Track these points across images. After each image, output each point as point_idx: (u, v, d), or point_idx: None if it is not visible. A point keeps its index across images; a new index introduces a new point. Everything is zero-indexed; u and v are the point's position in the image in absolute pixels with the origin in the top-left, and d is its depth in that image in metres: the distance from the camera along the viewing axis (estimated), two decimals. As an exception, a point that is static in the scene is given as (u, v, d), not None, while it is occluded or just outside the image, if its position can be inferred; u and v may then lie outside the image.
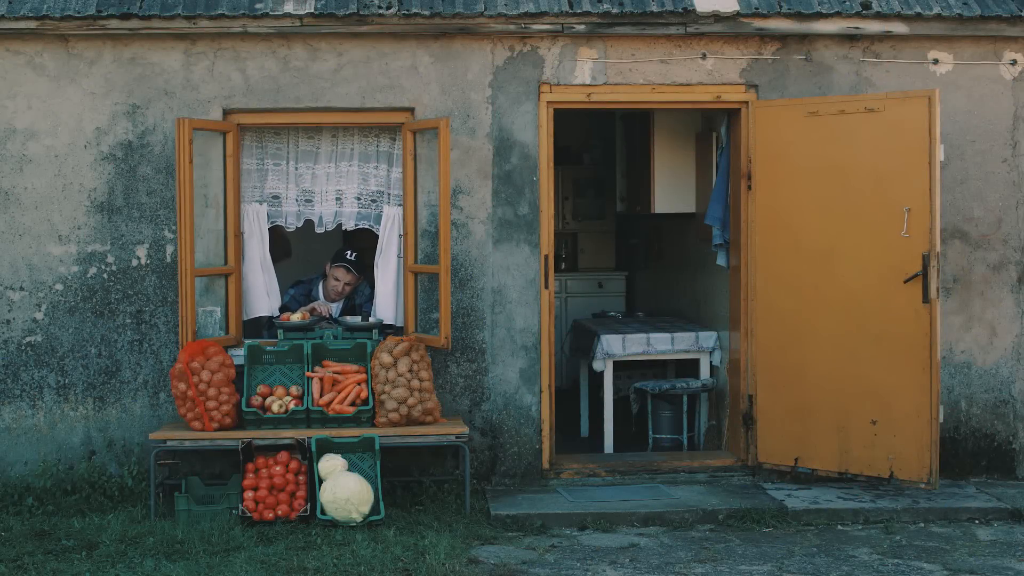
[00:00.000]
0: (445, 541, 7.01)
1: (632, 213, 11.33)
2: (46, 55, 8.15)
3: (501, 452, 8.40)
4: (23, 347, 8.20)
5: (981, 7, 8.34)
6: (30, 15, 7.95)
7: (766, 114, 8.35)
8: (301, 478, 7.58)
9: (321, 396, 7.89)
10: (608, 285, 12.53)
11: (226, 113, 8.22)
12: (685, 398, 9.26)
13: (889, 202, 7.87)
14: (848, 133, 8.01)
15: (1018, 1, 8.41)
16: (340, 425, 7.83)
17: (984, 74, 8.49)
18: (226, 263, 8.28)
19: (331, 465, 7.53)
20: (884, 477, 7.99)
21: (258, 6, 8.08)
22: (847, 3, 8.31)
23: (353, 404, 7.88)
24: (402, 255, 8.36)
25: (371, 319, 8.38)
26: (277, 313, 8.48)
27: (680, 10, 8.19)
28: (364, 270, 8.71)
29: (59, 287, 8.19)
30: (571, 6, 8.21)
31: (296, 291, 8.75)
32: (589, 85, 8.38)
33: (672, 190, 9.89)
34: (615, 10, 8.17)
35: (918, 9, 8.30)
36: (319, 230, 8.55)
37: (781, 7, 8.26)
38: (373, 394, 7.89)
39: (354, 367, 8.01)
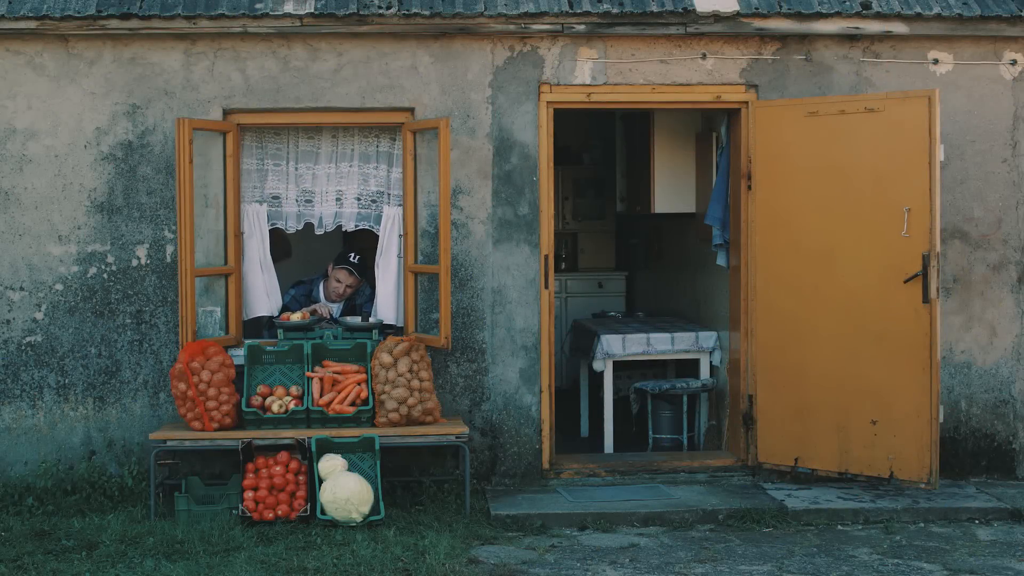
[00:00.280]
0: (445, 541, 7.01)
1: (632, 213, 11.33)
2: (46, 55, 8.15)
3: (501, 452, 8.40)
4: (23, 347, 8.20)
5: (981, 7, 8.34)
6: (30, 15, 7.95)
7: (766, 114, 8.35)
8: (301, 478, 7.58)
9: (321, 396, 7.89)
10: (608, 285, 12.53)
11: (226, 113, 8.22)
12: (685, 398, 9.26)
13: (889, 202, 7.87)
14: (848, 133, 8.01)
15: (1018, 1, 8.41)
16: (340, 425, 7.83)
17: (984, 74, 8.49)
18: (226, 263, 8.28)
19: (331, 465, 7.53)
20: (884, 477, 7.99)
21: (258, 6, 8.08)
22: (847, 3, 8.31)
23: (353, 404, 7.88)
24: (402, 255, 8.36)
25: (371, 319, 8.38)
26: (277, 313, 8.48)
27: (680, 10, 8.19)
28: (366, 272, 8.71)
29: (59, 287, 8.19)
30: (571, 6, 8.21)
31: (297, 291, 8.75)
32: (589, 85, 8.38)
33: (672, 190, 9.89)
34: (615, 10, 8.18)
35: (918, 9, 8.30)
36: (319, 231, 8.55)
37: (781, 7, 8.26)
38: (373, 394, 7.89)
39: (354, 367, 8.01)
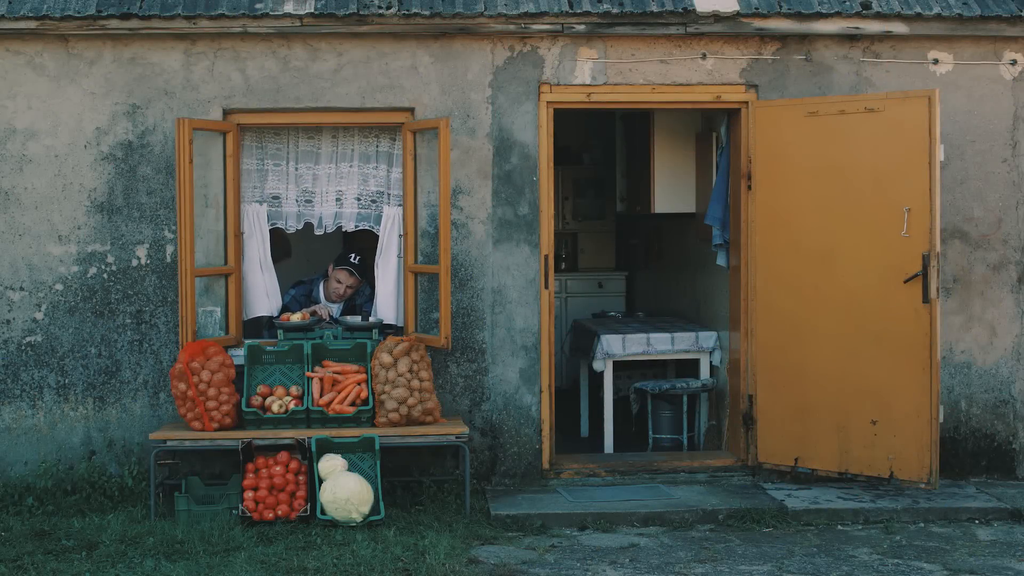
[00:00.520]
0: (445, 541, 7.01)
1: (632, 213, 11.33)
2: (46, 55, 8.15)
3: (501, 452, 8.40)
4: (23, 347, 8.20)
5: (981, 7, 8.34)
6: (30, 15, 7.95)
7: (766, 114, 8.35)
8: (301, 478, 7.58)
9: (321, 396, 7.89)
10: (608, 285, 12.53)
11: (226, 113, 8.22)
12: (685, 398, 9.26)
13: (889, 202, 7.87)
14: (848, 133, 8.01)
15: (1018, 1, 8.41)
16: (340, 425, 7.83)
17: (984, 74, 8.49)
18: (226, 263, 8.28)
19: (331, 465, 7.53)
20: (884, 477, 7.99)
21: (258, 6, 8.08)
22: (847, 3, 8.31)
23: (353, 404, 7.88)
24: (402, 255, 8.36)
25: (371, 319, 8.38)
26: (277, 313, 8.48)
27: (680, 10, 8.19)
28: (366, 272, 8.71)
29: (59, 287, 8.19)
30: (571, 6, 8.21)
31: (297, 291, 8.75)
32: (589, 85, 8.38)
33: (672, 190, 9.89)
34: (615, 10, 8.18)
35: (918, 9, 8.30)
36: (319, 231, 8.55)
37: (781, 7, 8.26)
38: (373, 394, 7.89)
39: (354, 367, 8.01)
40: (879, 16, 8.27)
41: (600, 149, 12.63)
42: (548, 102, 8.37)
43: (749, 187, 8.46)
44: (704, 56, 8.39)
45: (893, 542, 7.26)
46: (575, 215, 12.85)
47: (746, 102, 8.43)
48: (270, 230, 8.47)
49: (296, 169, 8.51)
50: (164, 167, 8.18)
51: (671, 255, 11.12)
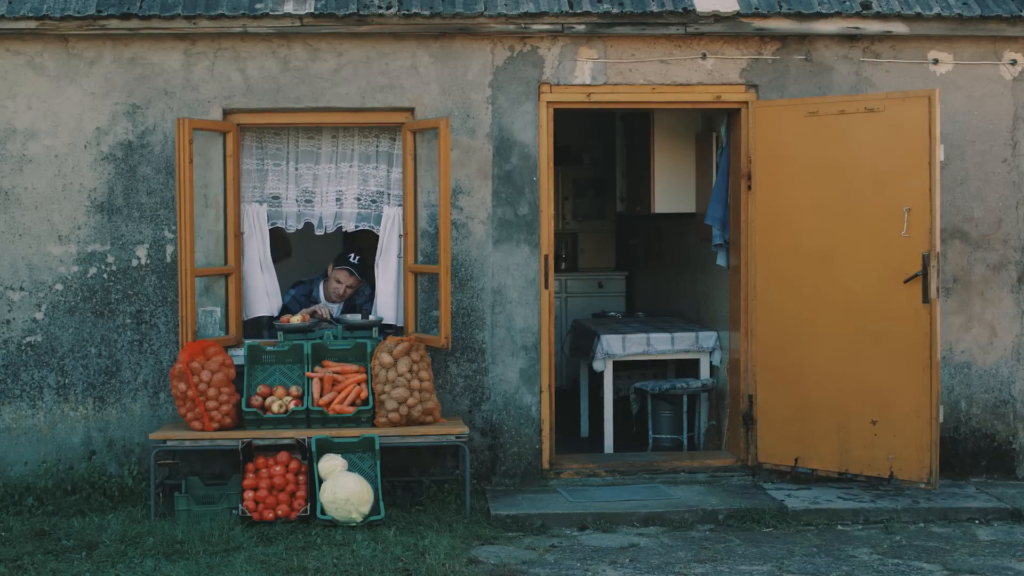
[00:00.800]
0: (445, 541, 7.01)
1: (632, 213, 11.33)
2: (46, 55, 8.15)
3: (501, 452, 8.40)
4: (23, 347, 8.20)
5: (981, 7, 8.34)
6: (30, 15, 7.95)
7: (766, 114, 8.35)
8: (301, 478, 7.58)
9: (321, 396, 7.89)
10: (608, 285, 12.53)
11: (226, 113, 8.22)
12: (685, 398, 9.26)
13: (889, 202, 7.87)
14: (848, 133, 8.01)
15: (1018, 1, 8.41)
16: (340, 425, 7.83)
17: (984, 74, 8.49)
18: (226, 263, 8.28)
19: (331, 465, 7.53)
20: (884, 477, 7.99)
21: (258, 6, 8.08)
22: (847, 3, 8.31)
23: (353, 404, 7.88)
24: (402, 255, 8.36)
25: (371, 318, 8.37)
26: (277, 313, 8.48)
27: (680, 10, 8.19)
28: (366, 272, 8.71)
29: (59, 287, 8.19)
30: (571, 6, 8.21)
31: (297, 291, 8.75)
32: (589, 85, 8.38)
33: (672, 190, 9.89)
34: (615, 10, 8.18)
35: (918, 9, 8.30)
36: (319, 231, 8.55)
37: (781, 7, 8.26)
38: (373, 394, 7.89)
39: (354, 367, 8.02)
40: (879, 16, 8.27)
41: (600, 149, 12.63)
42: (548, 102, 8.37)
43: (749, 187, 8.46)
44: (704, 56, 8.39)
45: (893, 542, 7.26)
46: (575, 215, 12.85)
47: (746, 102, 8.43)
48: (270, 230, 8.47)
49: (296, 169, 8.51)
50: (164, 167, 8.18)
51: (671, 255, 11.12)
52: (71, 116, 8.17)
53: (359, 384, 7.94)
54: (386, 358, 7.87)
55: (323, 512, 7.41)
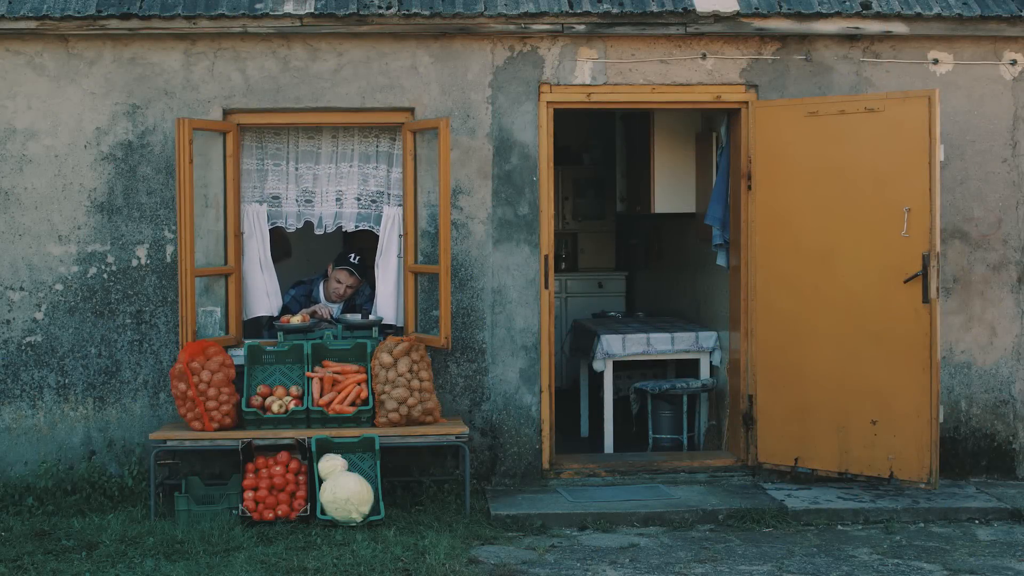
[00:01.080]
0: (445, 541, 7.02)
1: (632, 213, 11.33)
2: (46, 55, 8.15)
3: (501, 452, 8.40)
4: (23, 347, 8.20)
5: (981, 7, 8.34)
6: (30, 15, 7.95)
7: (766, 114, 8.35)
8: (301, 478, 7.58)
9: (321, 396, 7.89)
10: (608, 285, 12.53)
11: (226, 113, 8.22)
12: (685, 398, 9.26)
13: (889, 202, 7.87)
14: (848, 133, 8.01)
15: (1018, 1, 8.41)
16: (340, 425, 7.83)
17: (984, 74, 8.49)
18: (226, 263, 8.28)
19: (331, 465, 7.53)
20: (884, 477, 7.99)
21: (258, 6, 8.08)
22: (847, 3, 8.31)
23: (353, 404, 7.89)
24: (402, 255, 8.37)
25: (371, 318, 8.38)
26: (277, 313, 8.48)
27: (680, 10, 8.19)
28: (366, 272, 8.71)
29: (59, 287, 8.19)
30: (571, 6, 8.21)
31: (297, 291, 8.75)
32: (589, 85, 8.38)
33: (672, 190, 9.89)
34: (615, 10, 8.17)
35: (918, 9, 8.30)
36: (319, 231, 8.56)
37: (781, 7, 8.26)
38: (373, 394, 7.89)
39: (354, 367, 8.02)
40: (879, 16, 8.27)
41: (600, 149, 12.63)
42: (548, 102, 8.37)
43: (749, 187, 8.46)
44: (704, 56, 8.39)
45: (893, 542, 7.26)
46: (575, 215, 12.85)
47: (746, 102, 8.43)
48: (270, 230, 8.48)
49: (296, 169, 8.51)
50: (164, 167, 8.18)
51: (671, 255, 11.12)
52: (71, 116, 8.17)
53: (359, 384, 7.94)
54: (386, 358, 7.87)
55: (323, 512, 7.41)
